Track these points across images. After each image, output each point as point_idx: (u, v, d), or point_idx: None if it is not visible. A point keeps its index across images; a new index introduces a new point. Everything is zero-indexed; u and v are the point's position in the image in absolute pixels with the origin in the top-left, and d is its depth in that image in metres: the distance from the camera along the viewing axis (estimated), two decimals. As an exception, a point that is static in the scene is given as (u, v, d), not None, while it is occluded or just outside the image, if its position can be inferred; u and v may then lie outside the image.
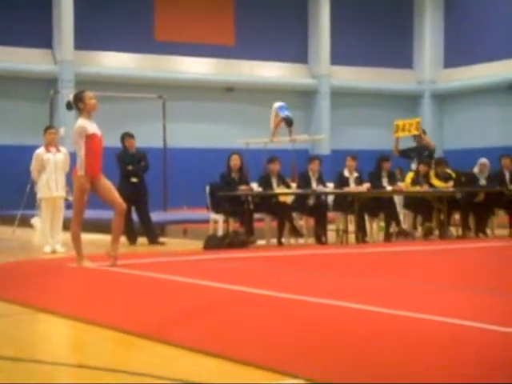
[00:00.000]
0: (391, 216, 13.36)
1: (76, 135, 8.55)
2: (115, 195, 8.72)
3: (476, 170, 14.40)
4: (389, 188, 13.40)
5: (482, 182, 14.30)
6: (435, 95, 28.02)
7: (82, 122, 8.58)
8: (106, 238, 13.82)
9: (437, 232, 13.56)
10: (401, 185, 13.72)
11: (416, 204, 13.81)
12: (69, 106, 8.84)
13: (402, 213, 13.92)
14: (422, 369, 4.03)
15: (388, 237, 13.27)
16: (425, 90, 27.97)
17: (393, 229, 13.35)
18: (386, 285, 7.20)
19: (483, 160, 14.40)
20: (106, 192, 8.66)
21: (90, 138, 8.55)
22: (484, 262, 9.74)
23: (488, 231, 14.15)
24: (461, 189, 13.94)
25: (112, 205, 8.70)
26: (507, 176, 14.43)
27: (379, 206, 13.35)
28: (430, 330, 4.90)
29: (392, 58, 27.58)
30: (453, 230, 14.04)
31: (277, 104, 16.61)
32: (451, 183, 14.03)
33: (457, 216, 14.21)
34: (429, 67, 27.99)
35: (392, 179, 13.63)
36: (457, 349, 4.41)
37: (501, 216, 14.62)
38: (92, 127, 8.63)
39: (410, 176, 13.91)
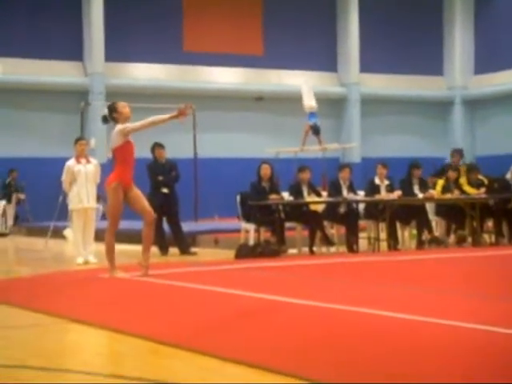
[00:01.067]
0: (423, 223, 13.26)
1: (118, 131, 8.56)
2: (145, 204, 8.75)
3: (509, 176, 14.25)
4: (420, 195, 13.31)
5: (519, 187, 14.14)
6: (466, 101, 27.83)
7: (119, 125, 8.63)
8: (137, 249, 13.87)
9: (470, 239, 13.44)
10: (432, 192, 13.62)
11: (448, 211, 13.70)
12: (105, 120, 8.90)
13: (434, 220, 13.81)
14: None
15: (420, 244, 13.17)
16: (455, 97, 27.79)
17: (425, 236, 13.25)
18: (418, 293, 7.13)
19: (515, 166, 14.25)
20: (136, 201, 8.70)
21: (124, 146, 8.60)
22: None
23: (522, 238, 14.00)
24: (493, 195, 13.80)
25: (142, 214, 8.73)
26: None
27: (411, 213, 13.26)
28: (459, 337, 4.84)
29: (422, 64, 27.45)
30: (486, 237, 13.90)
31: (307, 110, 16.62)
32: (484, 190, 13.91)
33: (490, 223, 14.07)
34: (459, 73, 27.81)
35: (423, 186, 13.54)
36: (477, 354, 4.35)
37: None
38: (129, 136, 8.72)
39: (440, 183, 13.81)
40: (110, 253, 8.73)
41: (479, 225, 13.47)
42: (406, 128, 27.39)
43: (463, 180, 14.04)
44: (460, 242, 13.42)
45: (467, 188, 13.85)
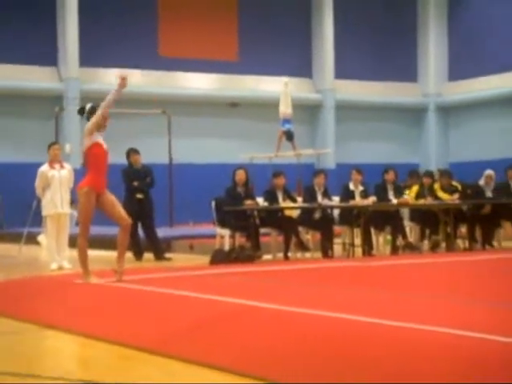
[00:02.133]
0: (397, 229, 13.33)
1: (86, 134, 8.60)
2: (120, 210, 8.71)
3: (482, 182, 14.37)
4: (394, 201, 13.38)
5: (488, 194, 14.26)
6: (440, 108, 28.01)
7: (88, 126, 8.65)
8: (112, 255, 13.83)
9: (444, 245, 13.52)
10: (406, 198, 13.69)
11: (422, 217, 13.78)
12: (81, 112, 8.87)
13: (408, 226, 13.88)
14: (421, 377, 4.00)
15: (395, 250, 13.24)
16: (430, 103, 27.97)
17: (399, 242, 13.31)
18: (393, 298, 7.17)
19: (489, 172, 14.37)
20: (111, 207, 8.65)
21: (94, 149, 8.56)
22: (491, 274, 9.70)
23: (495, 243, 14.11)
24: (467, 201, 13.91)
25: (117, 221, 8.69)
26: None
27: (385, 219, 13.32)
28: (434, 342, 4.87)
29: (396, 71, 27.60)
30: (460, 243, 13.99)
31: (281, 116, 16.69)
32: (457, 195, 14.00)
33: (463, 229, 14.17)
34: (433, 80, 28.00)
35: (398, 192, 13.61)
36: (455, 356, 4.38)
37: (508, 228, 14.57)
38: (99, 138, 8.67)
39: (414, 189, 13.88)
40: (83, 258, 8.69)
41: (453, 230, 13.57)
42: (381, 134, 27.52)
43: (437, 186, 14.13)
44: (434, 247, 13.51)
45: (441, 194, 13.94)
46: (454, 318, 5.78)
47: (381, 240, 13.64)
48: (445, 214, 13.46)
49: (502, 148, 25.22)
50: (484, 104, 26.40)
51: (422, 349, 4.70)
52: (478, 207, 13.93)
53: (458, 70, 27.37)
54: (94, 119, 8.59)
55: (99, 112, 8.60)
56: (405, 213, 13.88)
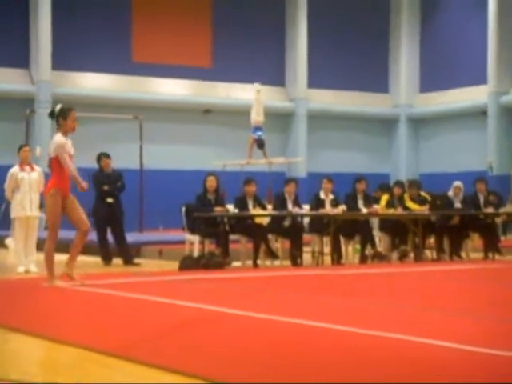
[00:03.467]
0: (367, 238, 13.39)
1: (58, 150, 8.58)
2: (81, 213, 8.75)
3: (451, 193, 14.48)
4: (364, 210, 13.44)
5: (457, 205, 14.37)
6: (411, 119, 28.20)
7: (61, 138, 8.62)
8: (80, 259, 13.75)
9: (412, 255, 13.60)
10: (376, 207, 13.74)
11: (391, 226, 13.85)
12: (51, 115, 8.85)
13: (377, 235, 13.95)
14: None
15: (363, 259, 13.29)
16: (400, 114, 28.14)
17: (368, 251, 13.37)
18: (360, 305, 7.20)
19: (457, 183, 14.48)
20: (73, 210, 8.68)
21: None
22: (458, 284, 9.77)
23: (463, 254, 14.21)
24: (436, 212, 14.01)
25: (77, 224, 8.71)
26: (481, 200, 14.53)
27: (355, 228, 13.38)
28: (397, 348, 4.91)
29: (368, 82, 27.75)
30: (428, 253, 14.08)
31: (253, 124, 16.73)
32: (426, 206, 14.09)
33: (432, 239, 14.26)
34: (405, 91, 28.18)
35: (368, 202, 13.66)
36: (413, 361, 4.42)
37: (475, 239, 14.69)
38: (67, 146, 8.66)
39: (384, 199, 13.95)
40: (50, 261, 8.65)
41: (421, 241, 13.65)
42: (352, 144, 27.65)
43: (406, 196, 14.21)
44: (402, 257, 13.58)
45: (410, 204, 14.02)
46: (417, 326, 5.82)
47: (350, 249, 13.70)
48: (414, 225, 13.54)
49: (470, 160, 25.44)
50: (454, 116, 26.62)
51: (383, 354, 4.74)
52: (446, 218, 14.04)
53: (430, 82, 27.58)
54: (65, 159, 8.56)
55: (67, 165, 8.58)
56: (374, 222, 13.95)
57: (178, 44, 25.25)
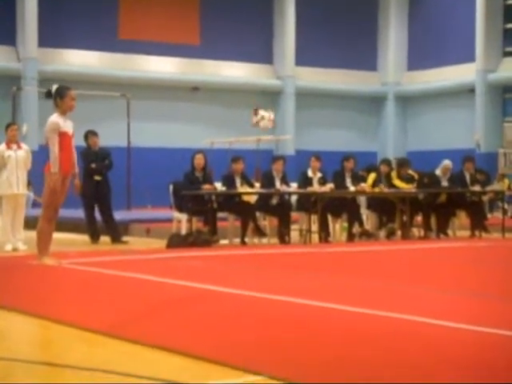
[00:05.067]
0: (354, 216, 13.42)
1: (49, 131, 8.51)
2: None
3: (438, 171, 14.51)
4: (352, 188, 13.46)
5: (444, 183, 14.41)
6: (399, 97, 28.21)
7: (55, 118, 8.54)
8: (68, 237, 13.75)
9: (399, 233, 13.66)
10: (364, 185, 13.77)
11: (379, 205, 13.89)
12: (48, 95, 8.74)
13: (365, 213, 13.99)
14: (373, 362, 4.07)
15: (351, 237, 13.33)
16: (388, 92, 28.15)
17: (356, 229, 13.41)
18: (347, 283, 7.24)
19: (446, 162, 14.50)
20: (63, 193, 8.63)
21: (61, 136, 8.50)
22: (444, 262, 9.83)
23: (449, 232, 14.28)
24: (423, 190, 14.05)
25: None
26: (468, 178, 14.57)
27: (342, 206, 13.41)
28: (390, 326, 4.95)
29: (356, 59, 27.73)
30: (415, 231, 14.14)
31: None
32: (414, 184, 14.13)
33: (419, 217, 14.32)
34: (393, 69, 28.18)
35: (355, 180, 13.68)
36: (406, 344, 4.46)
37: (462, 218, 14.76)
38: (65, 125, 8.58)
39: (371, 177, 13.98)
40: (42, 238, 8.63)
41: (409, 219, 13.70)
42: (340, 122, 27.66)
43: (394, 174, 14.24)
44: (389, 235, 13.63)
45: (398, 182, 14.06)
46: (404, 304, 5.87)
47: (337, 227, 13.73)
48: (401, 203, 13.59)
49: (458, 138, 25.51)
50: (441, 94, 26.65)
51: (383, 332, 4.77)
52: (433, 196, 14.09)
53: (418, 59, 27.58)
54: (53, 141, 8.45)
55: (54, 151, 8.44)
56: (362, 201, 13.98)
57: (165, 21, 25.12)
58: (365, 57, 28.06)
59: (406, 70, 28.19)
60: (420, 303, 5.98)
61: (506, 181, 20.19)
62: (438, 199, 14.08)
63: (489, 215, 16.44)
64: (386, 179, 13.95)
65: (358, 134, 27.94)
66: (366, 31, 28.11)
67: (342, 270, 8.73)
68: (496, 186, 18.32)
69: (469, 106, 25.51)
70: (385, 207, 13.77)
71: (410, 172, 14.60)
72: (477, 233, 14.23)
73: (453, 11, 26.62)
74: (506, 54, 25.43)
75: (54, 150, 8.44)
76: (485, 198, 15.78)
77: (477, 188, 14.55)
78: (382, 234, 13.72)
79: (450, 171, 14.47)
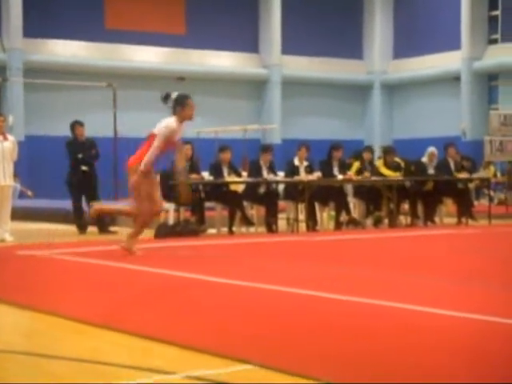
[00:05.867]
0: (341, 205, 13.45)
1: (162, 133, 8.43)
2: (157, 194, 8.74)
3: (425, 159, 14.56)
4: (339, 177, 13.48)
5: (431, 171, 14.45)
6: (385, 85, 28.26)
7: (174, 123, 8.51)
8: (55, 228, 13.72)
9: (386, 220, 13.70)
10: (351, 174, 13.78)
11: (366, 193, 13.93)
12: (165, 100, 8.66)
13: (352, 202, 14.02)
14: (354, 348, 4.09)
15: (338, 225, 13.36)
16: (374, 81, 28.19)
17: (343, 217, 13.44)
18: (336, 272, 7.26)
19: (432, 149, 14.55)
20: (153, 188, 8.58)
21: (168, 142, 8.50)
22: (432, 249, 9.87)
23: (436, 220, 14.33)
24: (410, 178, 14.09)
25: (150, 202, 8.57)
26: (452, 165, 14.62)
27: (329, 194, 13.43)
28: (376, 315, 4.98)
29: (342, 48, 27.75)
30: (402, 219, 14.19)
31: None
32: (400, 172, 14.17)
33: (406, 205, 14.36)
34: (378, 58, 28.22)
35: (343, 168, 13.70)
36: (399, 333, 4.49)
37: (449, 205, 14.82)
38: (177, 132, 8.59)
39: (355, 165, 13.99)
40: (141, 230, 8.60)
41: (396, 206, 13.74)
42: (326, 110, 27.69)
43: (380, 162, 14.28)
44: (377, 223, 13.67)
45: (384, 170, 14.09)
46: (394, 291, 5.90)
47: (325, 215, 13.76)
48: (388, 191, 13.63)
49: (444, 126, 25.59)
50: (427, 82, 26.72)
51: (379, 322, 4.80)
52: (420, 184, 14.13)
53: (403, 48, 27.62)
54: (158, 139, 8.44)
55: (151, 151, 8.47)
56: (349, 189, 14.01)
57: (151, 11, 25.06)
58: (351, 45, 28.08)
59: (391, 58, 28.24)
60: (414, 291, 6.01)
61: (492, 168, 20.27)
62: (424, 187, 14.12)
63: (475, 202, 16.51)
64: (370, 166, 13.99)
65: (345, 123, 27.98)
66: (352, 20, 28.12)
67: (330, 258, 8.75)
68: (482, 174, 18.39)
69: (454, 93, 25.58)
70: (372, 195, 13.80)
71: (397, 160, 14.63)
72: (463, 220, 14.29)
73: (438, 0, 26.67)
74: (491, 42, 25.51)
75: (155, 151, 8.38)
76: (471, 186, 15.85)
77: (463, 175, 14.61)
78: (369, 222, 13.76)
79: (435, 158, 14.51)
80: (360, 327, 4.64)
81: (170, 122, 8.49)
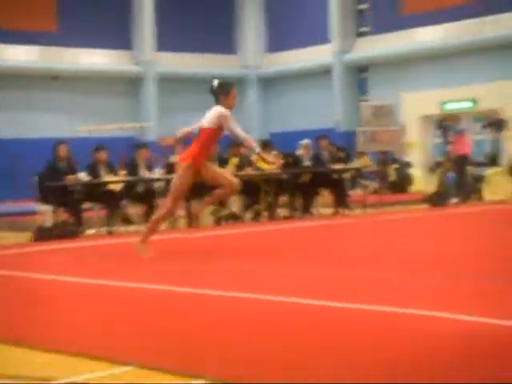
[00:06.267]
0: (221, 200, 13.53)
1: (227, 122, 8.40)
2: (228, 176, 8.71)
3: (300, 151, 14.83)
4: (217, 172, 13.54)
5: (307, 163, 14.73)
6: (260, 79, 28.55)
7: (225, 110, 8.43)
8: None
9: (265, 214, 13.88)
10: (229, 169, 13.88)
11: (244, 187, 14.04)
12: (213, 91, 8.56)
13: (232, 196, 14.11)
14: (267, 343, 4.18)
15: (218, 220, 13.45)
16: (249, 75, 28.43)
17: (222, 212, 13.54)
18: (215, 267, 7.34)
19: (306, 141, 14.84)
20: (215, 177, 8.47)
21: (217, 130, 8.42)
22: (311, 240, 10.09)
23: (314, 211, 14.62)
24: (287, 171, 14.32)
25: (225, 186, 8.54)
26: (325, 156, 14.93)
27: (207, 190, 13.47)
28: (258, 308, 5.08)
29: (216, 43, 27.85)
30: (280, 211, 14.41)
31: None
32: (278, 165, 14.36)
33: (284, 197, 14.59)
34: (252, 52, 28.48)
35: (222, 163, 13.77)
36: (275, 324, 4.60)
37: (326, 196, 15.14)
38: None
39: (233, 162, 14.11)
40: (155, 227, 8.45)
41: (274, 199, 13.95)
42: (202, 106, 27.64)
43: (256, 157, 14.43)
44: (256, 216, 13.84)
45: (261, 164, 14.26)
46: (274, 283, 6.02)
47: (206, 211, 13.80)
48: (266, 184, 13.81)
49: (318, 118, 26.08)
50: (301, 76, 27.15)
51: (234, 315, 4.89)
52: (297, 176, 14.39)
53: (276, 42, 27.97)
54: (231, 126, 8.47)
55: (236, 131, 8.52)
56: (227, 184, 14.09)
57: (20, 8, 24.47)
58: (225, 41, 28.23)
59: (265, 52, 28.54)
60: (292, 282, 6.14)
61: (365, 158, 20.79)
62: (301, 179, 14.38)
63: (351, 192, 16.92)
64: (249, 161, 14.16)
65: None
66: (224, 15, 28.26)
67: (210, 254, 8.80)
68: (356, 164, 18.86)
69: (327, 86, 26.10)
70: (250, 189, 13.95)
71: (274, 153, 14.83)
72: (340, 210, 14.64)
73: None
74: (360, 35, 26.14)
75: (238, 130, 8.42)
76: (346, 176, 16.23)
77: (338, 166, 14.95)
78: (249, 215, 13.92)
79: (310, 150, 14.80)
80: (234, 321, 4.73)
81: (221, 109, 8.43)
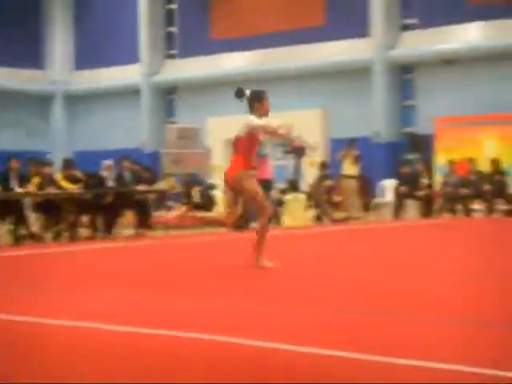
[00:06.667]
0: (20, 219, 13.28)
1: (257, 129, 8.14)
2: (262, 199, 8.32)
3: (104, 172, 14.80)
4: (19, 190, 13.30)
5: (110, 183, 14.72)
6: (67, 96, 28.16)
7: (256, 120, 8.15)
8: None
9: (67, 234, 13.73)
10: (30, 187, 13.64)
11: (45, 206, 13.86)
12: (240, 95, 8.13)
13: (32, 215, 13.88)
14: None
15: (18, 240, 13.17)
16: (56, 91, 27.99)
17: (22, 232, 13.27)
18: (13, 291, 7.20)
19: (108, 162, 14.86)
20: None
21: (254, 136, 8.16)
22: (105, 262, 10.06)
23: (117, 231, 14.60)
24: (90, 190, 14.24)
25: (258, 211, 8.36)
26: (128, 177, 14.98)
27: (8, 208, 13.20)
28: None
29: (22, 58, 27.23)
30: (82, 232, 14.29)
31: None
32: (80, 185, 14.28)
33: (87, 218, 14.49)
34: (60, 68, 28.08)
35: (23, 181, 13.52)
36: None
37: (129, 216, 15.17)
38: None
39: (35, 182, 13.84)
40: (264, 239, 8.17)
41: (76, 219, 13.83)
42: (7, 122, 27.01)
43: (59, 176, 14.29)
44: (57, 236, 13.66)
45: (64, 183, 14.12)
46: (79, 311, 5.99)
47: (4, 230, 13.48)
48: (68, 204, 13.67)
49: (125, 138, 26.06)
50: (109, 95, 27.05)
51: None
52: (101, 197, 14.33)
53: (85, 59, 27.73)
54: (273, 127, 8.16)
55: (279, 132, 8.24)
56: (27, 202, 13.85)
57: None
58: (31, 56, 27.66)
59: (74, 69, 28.21)
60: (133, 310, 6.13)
61: (171, 179, 20.95)
62: (104, 199, 14.34)
63: (156, 213, 17.01)
64: (51, 181, 13.96)
65: (27, 134, 27.46)
66: (31, 29, 27.72)
67: (11, 277, 8.58)
68: (162, 185, 18.97)
69: (136, 106, 26.15)
70: (51, 208, 13.77)
71: (77, 173, 14.72)
72: (142, 231, 14.70)
73: (118, 14, 27.16)
74: (169, 57, 26.39)
75: (284, 132, 8.22)
76: (152, 197, 16.32)
77: (143, 187, 15.03)
78: (50, 235, 13.71)
79: (113, 170, 14.81)
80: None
81: (254, 120, 8.20)
